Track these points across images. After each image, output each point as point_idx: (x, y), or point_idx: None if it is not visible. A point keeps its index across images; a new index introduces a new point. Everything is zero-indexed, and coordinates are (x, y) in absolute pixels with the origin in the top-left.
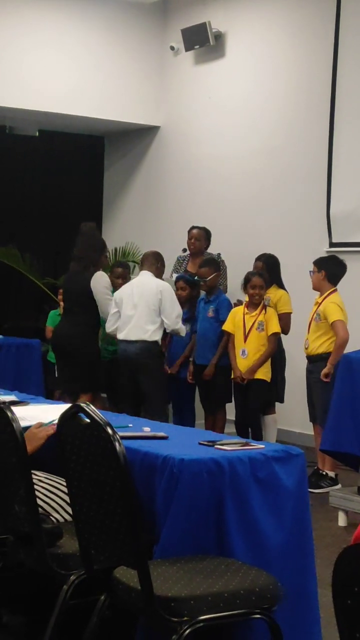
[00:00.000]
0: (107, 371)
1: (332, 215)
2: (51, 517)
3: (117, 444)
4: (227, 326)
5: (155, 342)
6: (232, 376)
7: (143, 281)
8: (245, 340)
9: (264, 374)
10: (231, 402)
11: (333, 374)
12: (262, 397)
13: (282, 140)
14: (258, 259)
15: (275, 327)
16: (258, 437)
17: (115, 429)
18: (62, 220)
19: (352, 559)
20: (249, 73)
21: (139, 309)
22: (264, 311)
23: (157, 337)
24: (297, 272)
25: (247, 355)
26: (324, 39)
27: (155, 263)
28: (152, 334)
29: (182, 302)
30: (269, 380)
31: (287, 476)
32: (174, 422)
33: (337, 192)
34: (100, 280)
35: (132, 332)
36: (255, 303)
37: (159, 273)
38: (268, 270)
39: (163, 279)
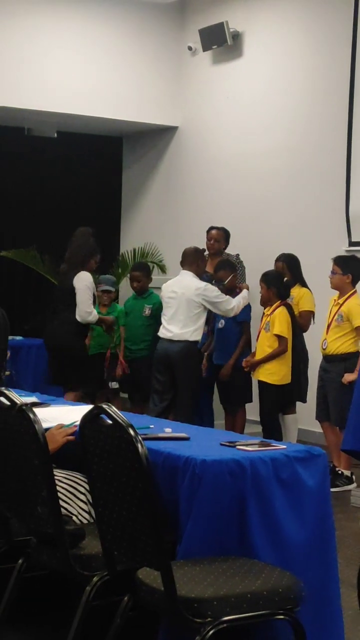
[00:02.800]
0: (133, 370)
1: (352, 213)
2: (73, 518)
3: (139, 445)
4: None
5: (196, 342)
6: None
7: (183, 282)
8: (257, 340)
9: (269, 376)
10: (251, 402)
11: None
12: (270, 399)
13: (300, 138)
14: (278, 259)
15: (277, 327)
16: (274, 438)
17: (137, 430)
18: (81, 222)
19: None
20: (266, 72)
21: (179, 310)
22: (274, 311)
23: (197, 337)
24: (316, 272)
25: (255, 354)
26: (342, 37)
27: (195, 261)
28: (192, 334)
29: None
30: (275, 382)
31: (309, 476)
32: (194, 422)
33: (356, 190)
34: (82, 278)
35: (175, 330)
36: (263, 302)
37: (199, 271)
38: (289, 270)
39: None
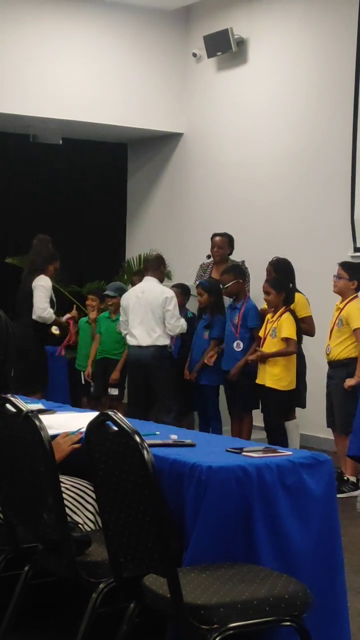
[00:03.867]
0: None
1: (357, 219)
2: (79, 525)
3: (145, 452)
4: (261, 332)
5: (166, 346)
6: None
7: (148, 288)
8: (262, 346)
9: (276, 382)
10: (258, 408)
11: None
12: (276, 405)
13: (305, 144)
14: (270, 263)
15: (285, 331)
16: (280, 444)
17: (143, 437)
18: (86, 228)
19: None
20: (271, 79)
21: (147, 316)
22: (279, 317)
23: (165, 341)
24: (321, 278)
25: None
26: (346, 43)
27: (158, 267)
28: (161, 339)
29: (201, 308)
30: (282, 388)
31: (315, 483)
32: (200, 428)
33: None
34: (40, 280)
35: (143, 338)
36: (272, 308)
37: (162, 277)
38: (278, 275)
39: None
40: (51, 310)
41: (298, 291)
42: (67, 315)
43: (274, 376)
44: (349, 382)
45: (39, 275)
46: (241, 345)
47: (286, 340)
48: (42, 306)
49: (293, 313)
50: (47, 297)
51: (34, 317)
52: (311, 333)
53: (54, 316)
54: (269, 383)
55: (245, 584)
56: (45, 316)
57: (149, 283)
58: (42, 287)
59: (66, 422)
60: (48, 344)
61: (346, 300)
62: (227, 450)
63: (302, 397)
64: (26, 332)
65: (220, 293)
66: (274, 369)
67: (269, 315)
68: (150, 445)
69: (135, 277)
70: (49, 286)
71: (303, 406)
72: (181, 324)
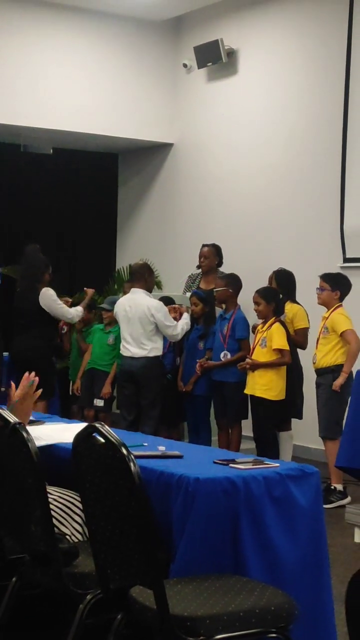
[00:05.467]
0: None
1: (346, 230)
2: (67, 536)
3: (132, 464)
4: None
5: (157, 357)
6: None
7: (135, 301)
8: (251, 356)
9: (266, 391)
10: (247, 418)
11: (344, 385)
12: (266, 415)
13: (295, 155)
14: (273, 272)
15: (277, 342)
16: (270, 454)
17: (129, 449)
18: (77, 238)
19: None
20: (261, 89)
21: (136, 328)
22: (269, 328)
23: (158, 352)
24: (311, 288)
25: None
26: (336, 54)
27: (143, 276)
28: (151, 350)
29: (196, 317)
30: (272, 398)
31: (302, 495)
32: (190, 439)
33: (350, 207)
34: (47, 296)
35: (134, 350)
36: (262, 318)
37: (149, 286)
38: (278, 285)
39: (174, 296)
40: (75, 310)
41: (298, 303)
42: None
43: (264, 386)
44: (337, 381)
45: (38, 287)
46: (228, 356)
47: (280, 351)
48: (68, 316)
49: (283, 323)
50: (62, 304)
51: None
52: (303, 345)
53: (81, 310)
54: (258, 393)
55: (232, 595)
56: (75, 316)
57: (136, 295)
58: (53, 301)
59: (54, 433)
60: (57, 355)
61: (330, 310)
62: (215, 462)
63: (298, 408)
64: (34, 344)
65: (214, 304)
66: (263, 379)
67: (259, 326)
68: (138, 457)
69: (127, 284)
70: (56, 296)
71: (300, 417)
72: (179, 330)
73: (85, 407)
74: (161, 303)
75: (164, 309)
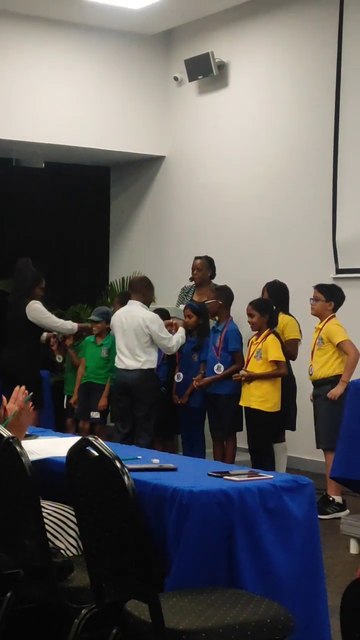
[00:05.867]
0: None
1: (338, 241)
2: (61, 551)
3: (125, 477)
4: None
5: (151, 369)
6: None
7: (132, 313)
8: (245, 368)
9: (262, 403)
10: (242, 430)
11: (342, 396)
12: (262, 426)
13: (287, 167)
14: (266, 285)
15: (273, 354)
16: (266, 466)
17: (123, 462)
18: (70, 251)
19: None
20: (252, 102)
21: (131, 342)
22: (264, 339)
23: (152, 365)
24: (304, 300)
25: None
26: (326, 67)
27: (141, 289)
28: (145, 362)
29: (190, 330)
30: (268, 410)
31: (296, 506)
32: (184, 451)
33: (342, 218)
34: (33, 309)
35: (129, 362)
36: (256, 330)
37: (147, 300)
38: (271, 297)
39: (169, 309)
40: (68, 323)
41: (290, 314)
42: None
43: (259, 397)
44: (335, 390)
45: (28, 300)
46: (222, 368)
47: (276, 362)
48: (58, 324)
49: (277, 335)
50: (51, 316)
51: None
52: (293, 356)
53: (75, 325)
54: (254, 405)
55: (227, 608)
56: (68, 327)
57: (133, 307)
58: (41, 312)
59: (48, 447)
60: (50, 369)
61: (324, 320)
62: (209, 474)
63: (291, 420)
64: (21, 356)
65: (208, 316)
66: (259, 391)
67: (253, 338)
68: (132, 470)
69: (117, 298)
70: (44, 309)
71: (293, 429)
72: (173, 343)
73: (80, 419)
74: (156, 315)
75: (159, 321)
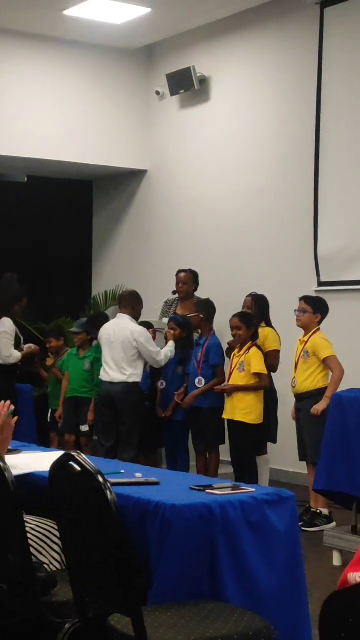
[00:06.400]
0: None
1: (320, 254)
2: (45, 565)
3: (108, 492)
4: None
5: (136, 383)
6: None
7: (120, 326)
8: (228, 381)
9: (245, 415)
10: (224, 443)
11: (325, 411)
12: (245, 439)
13: (268, 180)
14: (249, 295)
15: (256, 366)
16: (249, 478)
17: (106, 477)
18: (52, 265)
19: (338, 605)
20: (233, 116)
21: (118, 353)
22: (247, 352)
23: (137, 379)
24: (286, 312)
25: (227, 394)
26: (307, 80)
27: (131, 303)
28: (131, 376)
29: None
30: (252, 422)
31: (278, 519)
32: (168, 464)
33: (324, 231)
34: (2, 324)
35: (114, 374)
36: (238, 343)
37: (136, 314)
38: (257, 308)
39: (152, 322)
40: (17, 355)
41: (271, 326)
42: (28, 345)
43: (243, 410)
44: (318, 406)
45: (4, 317)
46: (202, 382)
47: (258, 375)
48: (6, 354)
49: (259, 347)
50: (11, 342)
51: (1, 362)
52: (274, 368)
53: (19, 356)
54: (238, 417)
55: (210, 621)
56: (12, 362)
57: (121, 320)
58: (5, 332)
59: (32, 462)
60: (34, 384)
61: (310, 333)
62: (191, 488)
63: (273, 432)
64: None
65: (192, 329)
66: (242, 403)
67: (235, 350)
68: (114, 484)
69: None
70: (12, 330)
71: (274, 441)
72: (162, 357)
73: (65, 433)
74: (144, 329)
75: (147, 334)
